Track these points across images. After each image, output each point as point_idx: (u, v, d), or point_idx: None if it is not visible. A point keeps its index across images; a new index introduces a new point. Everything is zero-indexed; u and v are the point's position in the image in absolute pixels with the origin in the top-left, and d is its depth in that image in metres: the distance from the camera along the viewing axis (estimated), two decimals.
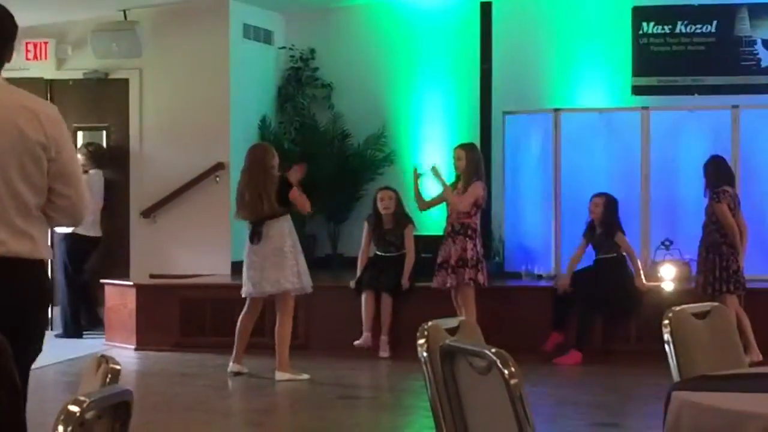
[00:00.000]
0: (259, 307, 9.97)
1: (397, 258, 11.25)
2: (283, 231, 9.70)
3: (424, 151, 13.80)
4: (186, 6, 12.87)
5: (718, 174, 10.60)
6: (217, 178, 12.84)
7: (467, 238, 10.47)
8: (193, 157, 12.78)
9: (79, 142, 13.15)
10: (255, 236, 9.71)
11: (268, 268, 9.65)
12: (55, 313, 13.19)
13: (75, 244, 12.72)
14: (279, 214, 9.68)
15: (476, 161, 10.62)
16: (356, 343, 10.95)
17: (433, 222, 11.97)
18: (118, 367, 3.10)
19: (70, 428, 2.53)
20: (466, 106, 13.56)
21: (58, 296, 13.06)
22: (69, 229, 12.65)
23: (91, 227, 12.74)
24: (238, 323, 9.96)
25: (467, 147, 10.77)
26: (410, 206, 11.37)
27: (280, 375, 9.75)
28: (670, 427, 3.85)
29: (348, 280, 11.45)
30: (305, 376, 9.81)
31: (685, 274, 11.35)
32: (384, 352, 11.00)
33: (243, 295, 9.92)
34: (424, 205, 10.89)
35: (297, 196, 9.68)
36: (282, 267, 9.64)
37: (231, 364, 10.00)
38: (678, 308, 4.56)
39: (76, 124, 13.01)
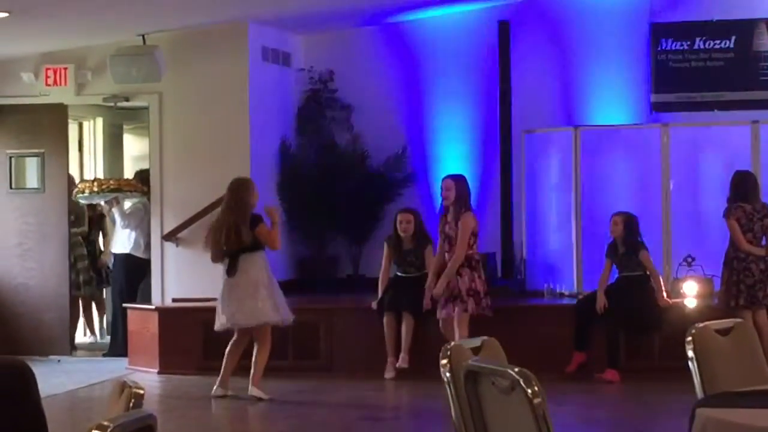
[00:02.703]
0: (247, 338, 10.17)
1: (418, 278, 11.21)
2: (258, 264, 9.94)
3: (444, 171, 13.77)
4: (204, 29, 12.89)
5: (736, 190, 10.70)
6: None
7: (472, 270, 10.50)
8: (213, 180, 12.76)
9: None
10: (231, 269, 9.89)
11: (244, 300, 9.87)
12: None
13: (132, 265, 12.95)
14: (252, 248, 9.88)
15: (465, 192, 10.65)
16: (387, 375, 10.98)
17: None
18: (141, 391, 3.10)
19: None
20: (485, 125, 13.55)
21: (108, 315, 13.44)
22: (126, 249, 12.82)
23: (145, 250, 12.89)
24: (226, 352, 10.16)
25: (456, 178, 10.81)
26: (431, 226, 11.35)
27: (253, 390, 9.96)
28: None
29: (370, 301, 11.43)
30: (269, 397, 9.94)
31: (708, 291, 11.30)
32: (403, 363, 10.95)
33: (216, 329, 10.14)
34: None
35: (264, 232, 9.94)
36: (258, 299, 9.88)
37: (215, 387, 10.13)
38: (701, 325, 4.56)
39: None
